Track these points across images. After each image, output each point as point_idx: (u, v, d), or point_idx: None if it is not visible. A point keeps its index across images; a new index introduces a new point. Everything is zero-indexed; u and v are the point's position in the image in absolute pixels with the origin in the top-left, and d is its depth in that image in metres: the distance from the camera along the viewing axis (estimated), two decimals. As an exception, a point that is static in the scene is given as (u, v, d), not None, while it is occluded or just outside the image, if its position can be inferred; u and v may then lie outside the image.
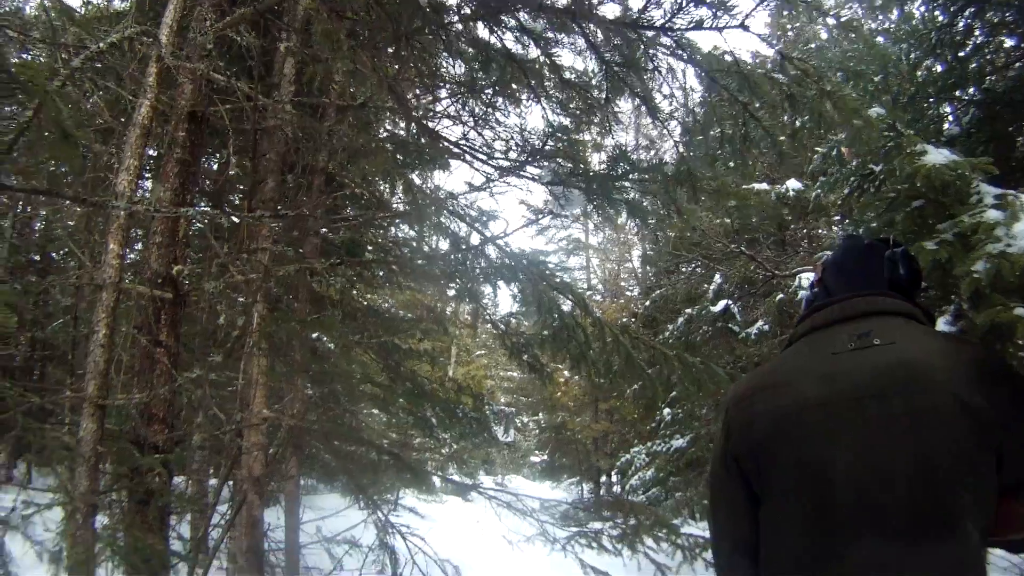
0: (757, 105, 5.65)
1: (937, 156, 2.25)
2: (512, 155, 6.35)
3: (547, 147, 5.84)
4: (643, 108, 6.16)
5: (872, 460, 1.79)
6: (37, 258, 13.42)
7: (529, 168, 6.12)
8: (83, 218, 9.60)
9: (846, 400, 1.86)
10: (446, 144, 6.58)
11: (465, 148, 6.34)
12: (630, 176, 5.90)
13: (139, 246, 7.37)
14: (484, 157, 6.29)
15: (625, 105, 6.34)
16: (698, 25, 5.28)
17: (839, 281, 2.18)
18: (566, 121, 6.37)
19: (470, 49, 5.94)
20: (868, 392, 1.83)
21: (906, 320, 1.98)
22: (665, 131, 6.18)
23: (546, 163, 5.95)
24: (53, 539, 4.23)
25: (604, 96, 6.06)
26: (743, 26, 5.17)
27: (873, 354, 1.88)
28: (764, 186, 12.27)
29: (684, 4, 5.17)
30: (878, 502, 1.76)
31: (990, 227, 1.99)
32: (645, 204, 6.30)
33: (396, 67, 6.15)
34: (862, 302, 2.03)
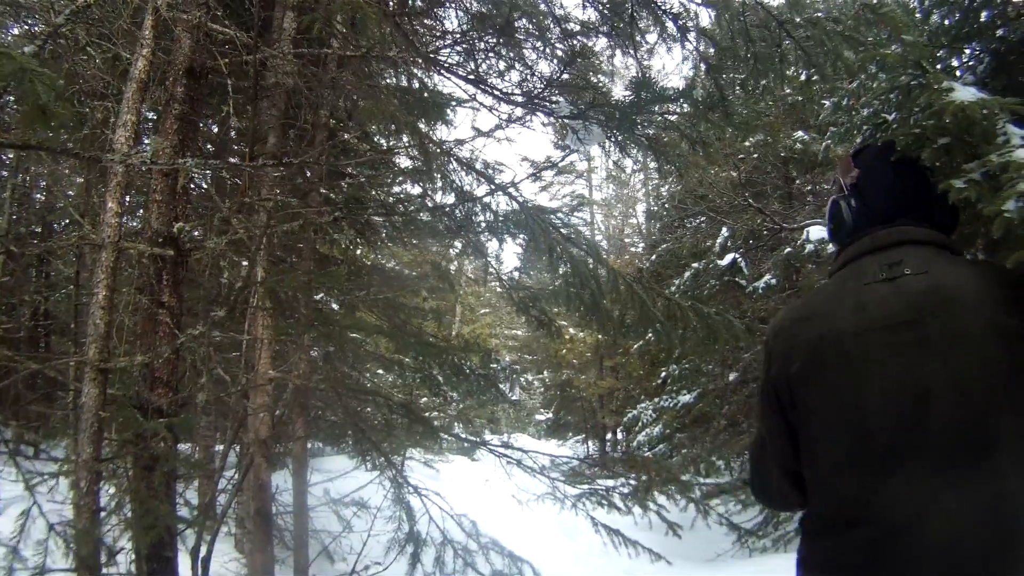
0: (798, 20, 5.49)
1: (965, 93, 2.14)
2: (528, 87, 6.18)
3: (565, 75, 5.67)
4: (669, 27, 5.94)
5: (907, 387, 1.79)
6: (38, 229, 13.31)
7: (546, 103, 5.95)
8: (83, 185, 9.49)
9: (879, 329, 1.86)
10: (457, 82, 6.40)
11: (479, 84, 6.16)
12: (655, 106, 5.73)
13: (140, 212, 7.23)
14: (498, 93, 6.11)
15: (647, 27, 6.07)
16: None
17: (871, 192, 2.15)
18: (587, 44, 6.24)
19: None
20: (900, 319, 1.84)
21: (938, 249, 1.94)
22: (695, 52, 5.95)
23: (564, 94, 5.78)
24: (20, 515, 4.16)
25: (630, 13, 5.87)
26: None
27: (905, 282, 1.88)
28: (804, 135, 12.10)
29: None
30: (915, 429, 1.76)
31: (1020, 165, 1.90)
32: (666, 139, 6.14)
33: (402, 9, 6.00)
34: (894, 232, 2.00)
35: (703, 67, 6.12)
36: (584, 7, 5.97)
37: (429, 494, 7.30)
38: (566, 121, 5.70)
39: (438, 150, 6.55)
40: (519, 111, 6.23)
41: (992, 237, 1.88)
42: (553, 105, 5.88)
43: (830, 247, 10.86)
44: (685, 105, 5.85)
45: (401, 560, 7.29)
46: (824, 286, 2.13)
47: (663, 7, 5.74)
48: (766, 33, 5.60)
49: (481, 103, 6.19)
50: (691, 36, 5.92)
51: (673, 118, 5.95)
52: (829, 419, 1.92)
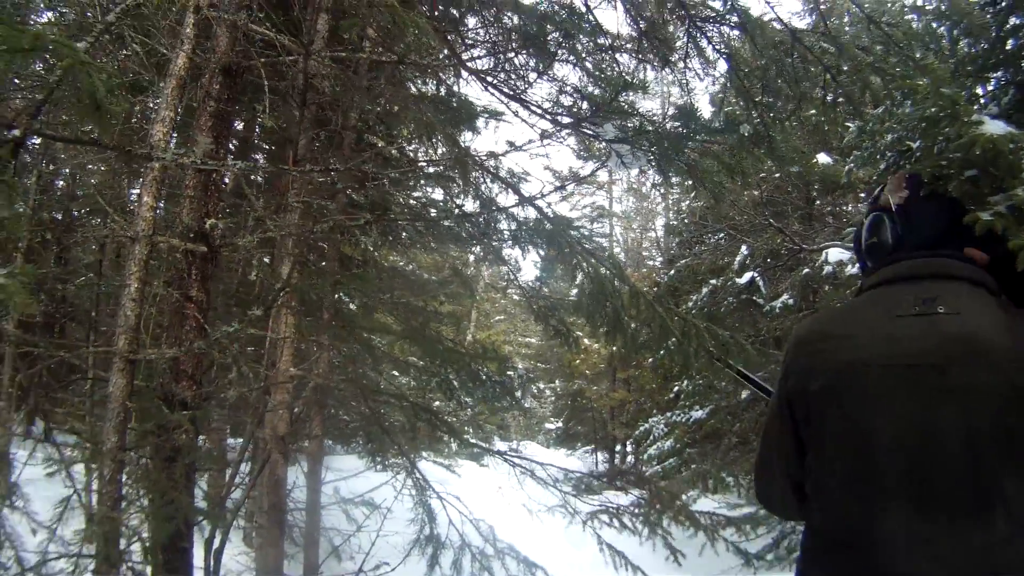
0: (845, 68, 5.56)
1: (994, 127, 2.17)
2: (575, 109, 6.23)
3: (616, 101, 5.71)
4: (713, 67, 6.01)
5: (920, 431, 1.77)
6: (59, 216, 13.39)
7: (590, 125, 6.00)
8: (109, 174, 9.57)
9: (903, 366, 1.83)
10: (499, 96, 6.45)
11: (522, 100, 6.21)
12: (699, 136, 5.79)
13: (162, 203, 7.31)
14: (542, 111, 6.16)
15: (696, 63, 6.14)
16: None
17: (917, 219, 2.10)
18: (638, 75, 6.30)
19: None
20: (926, 361, 1.80)
21: (972, 287, 1.91)
22: (744, 91, 6.00)
23: (613, 118, 5.82)
24: (62, 502, 4.22)
25: (684, 52, 5.94)
26: None
27: (936, 322, 1.84)
28: (827, 158, 12.11)
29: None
30: (920, 474, 1.76)
31: None
32: (706, 166, 6.18)
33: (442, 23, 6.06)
34: (934, 263, 1.97)
35: (740, 101, 6.18)
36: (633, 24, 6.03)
37: (449, 498, 7.35)
38: (610, 144, 5.73)
39: (469, 159, 6.60)
40: (550, 125, 6.28)
41: (1018, 270, 1.89)
42: (599, 128, 5.92)
43: (848, 268, 10.88)
44: (728, 137, 5.90)
45: (412, 561, 7.32)
46: (853, 304, 2.12)
47: (702, 30, 5.81)
48: (799, 64, 5.67)
49: (521, 118, 6.22)
50: (726, 63, 6.01)
51: (715, 147, 6.00)
52: (841, 442, 1.91)
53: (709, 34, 5.80)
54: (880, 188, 2.27)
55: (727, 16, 5.63)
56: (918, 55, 7.26)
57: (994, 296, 1.93)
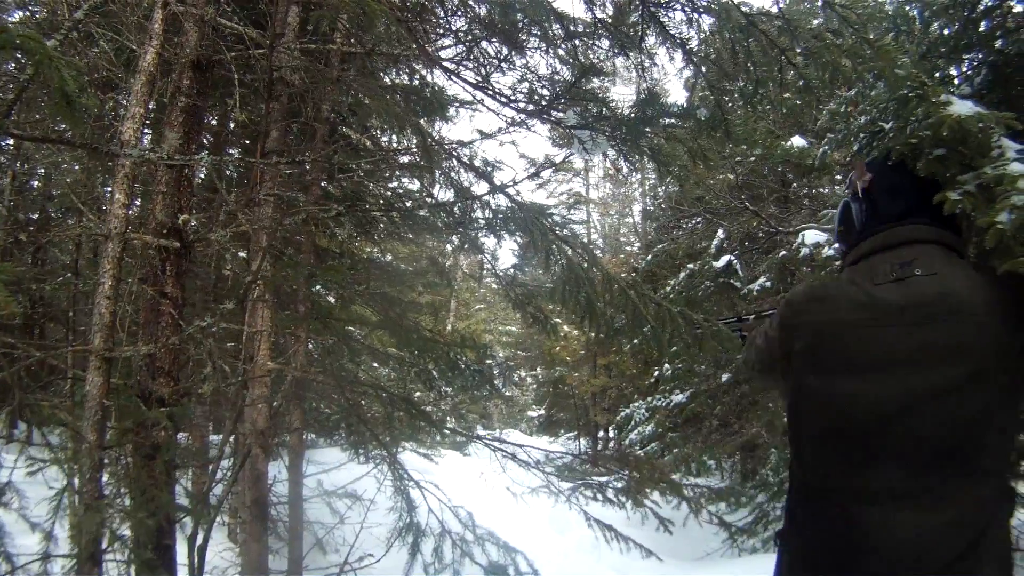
0: (798, 51, 5.60)
1: (962, 107, 2.21)
2: (536, 97, 6.25)
3: (576, 87, 5.73)
4: (676, 51, 6.03)
5: (902, 389, 1.85)
6: (35, 216, 13.31)
7: (553, 112, 6.02)
8: (83, 172, 9.52)
9: (884, 327, 1.92)
10: (464, 85, 6.46)
11: (486, 89, 6.22)
12: (660, 121, 5.82)
13: (138, 201, 7.27)
14: (505, 99, 6.17)
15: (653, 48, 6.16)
16: None
17: (880, 197, 2.21)
18: (605, 62, 6.32)
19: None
20: (905, 320, 1.89)
21: (946, 250, 2.01)
22: (700, 75, 6.05)
23: (575, 105, 5.84)
24: (54, 498, 4.20)
25: (639, 36, 5.96)
26: None
27: (915, 283, 1.94)
28: (801, 140, 12.13)
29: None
30: (901, 431, 1.84)
31: (1014, 179, 1.96)
32: (668, 151, 6.22)
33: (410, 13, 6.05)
34: (904, 230, 2.07)
35: (703, 84, 6.21)
36: (589, 10, 6.02)
37: (428, 486, 7.36)
38: (572, 130, 5.74)
39: (439, 148, 6.60)
40: (513, 112, 6.29)
41: (985, 247, 1.93)
42: (560, 114, 5.93)
43: (826, 250, 10.92)
44: (688, 121, 5.94)
45: (395, 552, 7.33)
46: (839, 279, 2.17)
47: (667, 17, 5.82)
48: (766, 49, 5.70)
49: (488, 107, 6.23)
50: (693, 46, 6.02)
51: (676, 131, 6.04)
52: (822, 401, 2.00)
53: (663, 19, 5.82)
54: (848, 178, 2.40)
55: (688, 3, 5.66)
56: (890, 36, 7.30)
57: (964, 258, 2.05)
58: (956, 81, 7.02)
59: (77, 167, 10.16)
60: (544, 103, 6.07)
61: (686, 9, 5.73)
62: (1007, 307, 1.82)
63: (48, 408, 3.94)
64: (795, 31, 5.37)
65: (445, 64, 6.18)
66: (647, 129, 5.81)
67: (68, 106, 2.36)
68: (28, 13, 7.26)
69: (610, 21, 5.94)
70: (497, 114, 6.32)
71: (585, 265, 6.03)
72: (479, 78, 6.31)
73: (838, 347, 1.99)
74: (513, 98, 6.19)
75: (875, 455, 1.85)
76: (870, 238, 2.13)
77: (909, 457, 1.81)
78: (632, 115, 5.82)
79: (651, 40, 6.03)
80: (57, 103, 2.37)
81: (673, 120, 5.90)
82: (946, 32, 7.15)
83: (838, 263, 10.94)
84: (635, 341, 7.36)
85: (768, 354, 2.30)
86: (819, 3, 5.96)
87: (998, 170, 2.00)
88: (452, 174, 6.86)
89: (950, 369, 1.80)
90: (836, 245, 2.45)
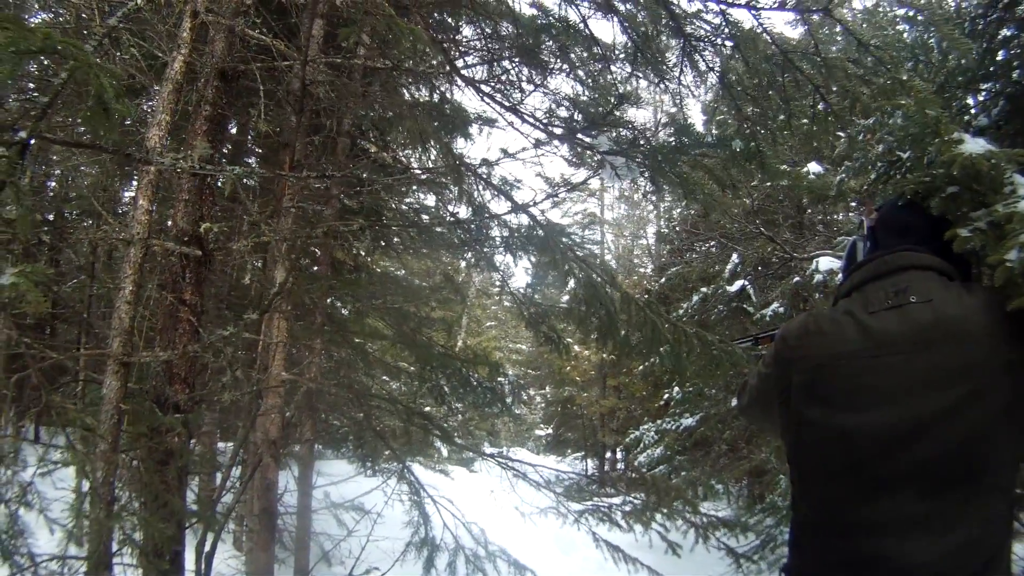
0: (834, 89, 5.62)
1: (974, 145, 2.22)
2: (569, 122, 6.27)
3: (612, 115, 5.75)
4: (717, 82, 6.06)
5: (905, 416, 1.83)
6: (51, 217, 13.37)
7: (583, 136, 6.05)
8: (101, 175, 9.56)
9: (883, 355, 1.90)
10: (494, 106, 6.49)
11: (519, 112, 6.24)
12: (694, 150, 5.83)
13: (155, 205, 7.31)
14: (539, 123, 6.19)
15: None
16: (782, 5, 5.24)
17: (883, 235, 2.22)
18: (632, 85, 6.35)
19: (531, 12, 5.90)
20: (904, 348, 1.88)
21: (939, 275, 2.00)
22: (736, 107, 6.08)
23: (608, 130, 5.86)
24: (70, 500, 4.22)
25: (679, 70, 5.99)
26: (827, 9, 5.17)
27: (910, 310, 1.92)
28: (817, 167, 12.14)
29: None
30: (908, 455, 1.81)
31: (1023, 217, 1.97)
32: (698, 180, 6.22)
33: (437, 32, 6.09)
34: (896, 257, 2.06)
35: (725, 110, 6.23)
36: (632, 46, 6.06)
37: (443, 501, 7.37)
38: (605, 156, 5.76)
39: (462, 166, 6.63)
40: (543, 135, 6.31)
41: (995, 284, 1.93)
42: (590, 139, 5.95)
43: (839, 277, 10.94)
44: (721, 152, 5.96)
45: (401, 565, 7.33)
46: (833, 310, 2.15)
47: (696, 48, 5.85)
48: (790, 82, 5.73)
49: (517, 129, 6.26)
50: (718, 81, 6.05)
51: (706, 161, 6.05)
52: (823, 435, 1.98)
53: (702, 51, 5.85)
54: (860, 220, 2.42)
55: (720, 34, 5.67)
56: (908, 65, 7.31)
57: (957, 281, 2.01)
58: (973, 111, 7.03)
59: (95, 170, 10.19)
60: (577, 127, 6.09)
61: (721, 42, 5.75)
62: (1001, 327, 1.82)
63: (74, 411, 3.95)
64: (831, 70, 5.38)
65: (476, 83, 6.20)
66: (682, 158, 5.82)
67: (105, 112, 2.37)
68: (53, 15, 7.30)
69: (643, 47, 5.97)
70: (526, 136, 6.32)
71: (604, 285, 6.05)
72: (507, 99, 6.34)
73: (837, 379, 1.98)
74: (545, 120, 6.21)
75: (882, 484, 1.85)
76: (862, 268, 2.13)
77: (917, 483, 1.80)
78: (666, 143, 5.84)
79: (688, 76, 6.06)
80: (94, 109, 2.39)
81: (707, 150, 5.92)
82: (963, 62, 7.17)
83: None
84: (652, 360, 7.34)
85: (763, 393, 2.30)
86: (838, 29, 5.98)
87: (1008, 208, 2.00)
88: (473, 192, 6.89)
89: (951, 392, 1.80)
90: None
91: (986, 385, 1.79)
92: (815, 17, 5.38)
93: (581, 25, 5.91)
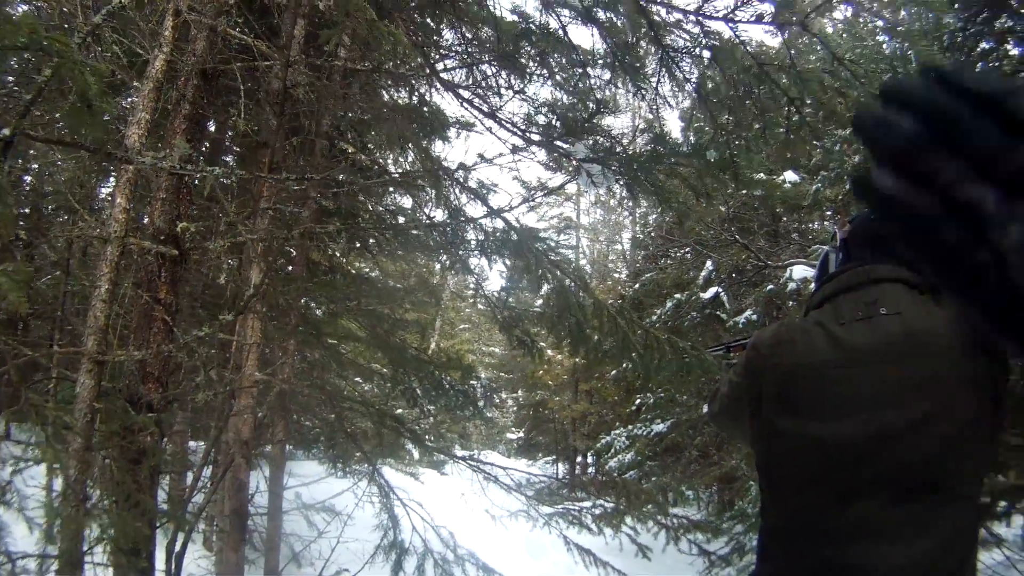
0: (808, 102, 5.68)
1: None
2: (548, 129, 6.30)
3: (589, 123, 5.78)
4: (685, 93, 6.11)
5: (874, 426, 1.86)
6: (26, 211, 13.26)
7: (560, 143, 6.07)
8: (78, 171, 9.50)
9: (852, 366, 1.94)
10: (474, 112, 6.51)
11: (498, 118, 6.27)
12: (669, 159, 5.87)
13: (131, 203, 7.27)
14: (517, 129, 6.22)
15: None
16: (759, 19, 5.28)
17: (855, 247, 2.25)
18: (609, 91, 6.39)
19: (512, 17, 5.92)
20: (873, 359, 1.91)
21: (908, 288, 2.02)
22: (712, 117, 6.12)
23: (584, 137, 5.90)
24: (41, 498, 4.20)
25: (657, 79, 6.03)
26: (803, 24, 5.22)
27: (880, 322, 1.96)
28: (794, 176, 12.23)
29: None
30: (877, 465, 1.85)
31: None
32: (673, 188, 6.26)
33: (418, 35, 6.11)
34: (867, 270, 2.08)
35: (700, 118, 6.28)
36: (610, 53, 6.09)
37: (412, 504, 7.37)
38: (582, 163, 5.79)
39: (440, 169, 6.64)
40: (521, 141, 6.33)
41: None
42: (568, 145, 5.98)
43: (813, 286, 11.02)
44: (696, 161, 6.00)
45: (371, 567, 7.33)
46: (803, 321, 2.18)
47: (674, 59, 5.89)
48: (766, 94, 5.78)
49: (496, 135, 6.28)
50: (695, 93, 6.10)
51: (681, 170, 6.09)
52: (793, 444, 2.01)
53: (680, 61, 5.89)
54: (834, 231, 2.46)
55: (698, 45, 5.71)
56: (886, 77, 7.37)
57: (926, 294, 2.04)
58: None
59: (72, 165, 10.11)
60: (555, 134, 6.12)
61: (698, 54, 5.79)
62: (968, 339, 1.85)
63: (52, 409, 3.93)
64: (805, 84, 5.44)
65: (460, 91, 6.22)
66: (657, 166, 5.86)
67: (89, 110, 2.37)
68: (34, 9, 7.25)
69: (622, 57, 6.00)
70: (504, 141, 6.35)
71: (577, 291, 6.08)
72: (489, 107, 6.36)
73: (808, 389, 2.01)
74: (524, 128, 6.24)
75: (852, 493, 1.87)
76: (833, 280, 2.16)
77: (886, 492, 1.83)
78: (642, 152, 5.88)
79: (666, 85, 6.10)
80: (77, 106, 2.39)
81: (681, 159, 5.96)
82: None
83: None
84: (623, 366, 7.38)
85: (734, 400, 2.30)
86: (817, 45, 6.03)
87: None
88: (449, 195, 6.90)
89: (920, 403, 1.83)
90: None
91: (952, 398, 1.83)
92: (792, 30, 5.43)
93: (560, 32, 5.94)
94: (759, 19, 5.28)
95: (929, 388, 1.85)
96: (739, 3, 5.20)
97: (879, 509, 1.83)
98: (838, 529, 1.87)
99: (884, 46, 8.49)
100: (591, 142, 5.90)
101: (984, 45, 7.05)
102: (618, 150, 5.92)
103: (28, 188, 13.08)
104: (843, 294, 2.09)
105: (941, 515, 1.80)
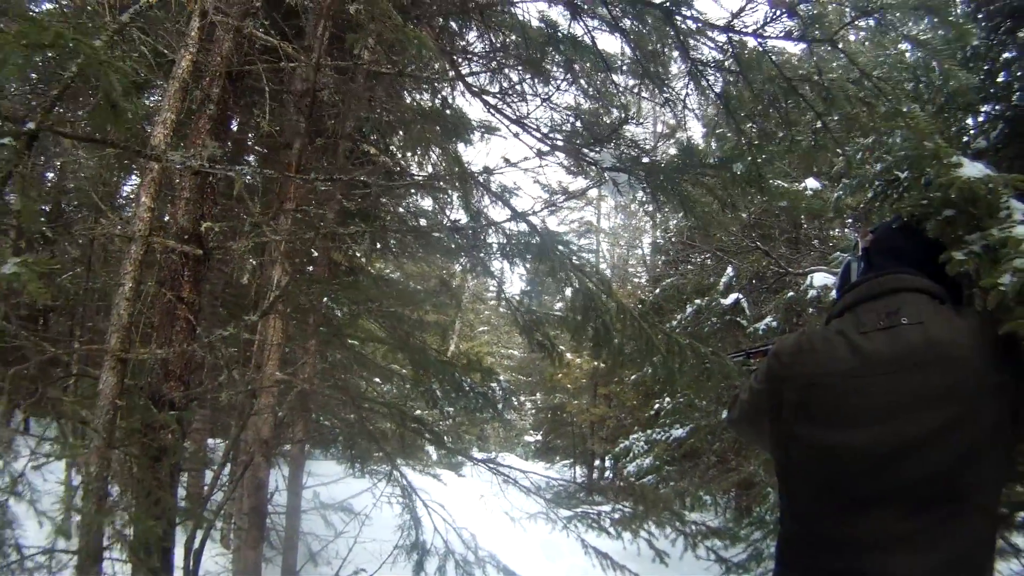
0: (835, 117, 5.67)
1: (972, 169, 2.23)
2: (574, 137, 6.31)
3: (617, 132, 5.78)
4: (720, 103, 6.10)
5: (894, 436, 1.85)
6: (48, 208, 13.35)
7: (587, 151, 6.09)
8: (101, 169, 9.56)
9: (872, 375, 1.92)
10: (501, 119, 6.53)
11: (525, 125, 6.29)
12: (696, 170, 5.87)
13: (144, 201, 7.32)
14: (543, 136, 6.23)
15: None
16: (788, 35, 5.28)
17: (877, 256, 2.22)
18: (633, 101, 6.39)
19: (539, 24, 5.93)
20: (893, 369, 1.89)
21: (931, 298, 2.00)
22: (738, 128, 6.12)
23: (611, 146, 5.90)
24: (60, 493, 4.23)
25: (685, 93, 6.04)
26: (832, 41, 5.21)
27: (901, 332, 1.93)
28: (815, 184, 12.19)
29: (778, 14, 5.18)
30: (893, 475, 1.83)
31: (1018, 242, 1.98)
32: (698, 198, 6.26)
33: (443, 40, 6.12)
34: (890, 279, 2.07)
35: (744, 142, 6.27)
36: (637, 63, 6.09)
37: (434, 505, 7.39)
38: (608, 172, 5.79)
39: (463, 172, 6.65)
40: (547, 147, 6.34)
41: (987, 307, 1.94)
42: (597, 155, 5.99)
43: (833, 294, 10.96)
44: (723, 173, 6.00)
45: (389, 567, 7.34)
46: (825, 329, 2.16)
47: (703, 73, 5.89)
48: (792, 107, 5.77)
49: (523, 141, 6.30)
50: (719, 98, 6.08)
51: (706, 180, 6.09)
52: (811, 452, 2.01)
53: (706, 73, 5.89)
54: (855, 240, 2.41)
55: (725, 56, 5.71)
56: (909, 87, 7.34)
57: (948, 304, 2.02)
58: (972, 132, 7.05)
59: (94, 162, 10.17)
60: (578, 142, 6.13)
61: (726, 66, 5.79)
62: (989, 351, 1.84)
63: (71, 405, 3.96)
64: (833, 99, 5.42)
65: (486, 98, 6.24)
66: (682, 176, 5.85)
67: (113, 109, 2.39)
68: (58, 6, 7.29)
69: (649, 67, 5.99)
70: (530, 148, 6.36)
71: (600, 294, 6.08)
72: (516, 112, 6.38)
73: (829, 398, 1.99)
74: (548, 135, 6.25)
75: (869, 502, 1.86)
76: (854, 289, 2.14)
77: (902, 502, 1.82)
78: (670, 162, 5.87)
79: (692, 96, 6.10)
80: (102, 105, 2.41)
81: (708, 171, 5.95)
82: (964, 83, 7.19)
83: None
84: (644, 370, 7.36)
85: (755, 407, 2.30)
86: (841, 57, 6.00)
87: (1004, 232, 2.01)
88: (472, 198, 6.90)
89: (939, 413, 1.81)
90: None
91: (973, 408, 1.81)
92: (822, 47, 5.42)
93: (587, 39, 5.94)
94: (788, 35, 5.28)
95: (949, 398, 1.82)
96: (769, 19, 5.20)
97: (896, 519, 1.82)
98: (854, 538, 1.86)
99: (907, 54, 8.44)
100: (617, 152, 5.90)
101: (1007, 55, 7.00)
102: (644, 159, 5.92)
103: (50, 185, 13.16)
104: (864, 303, 2.07)
105: (958, 526, 1.79)
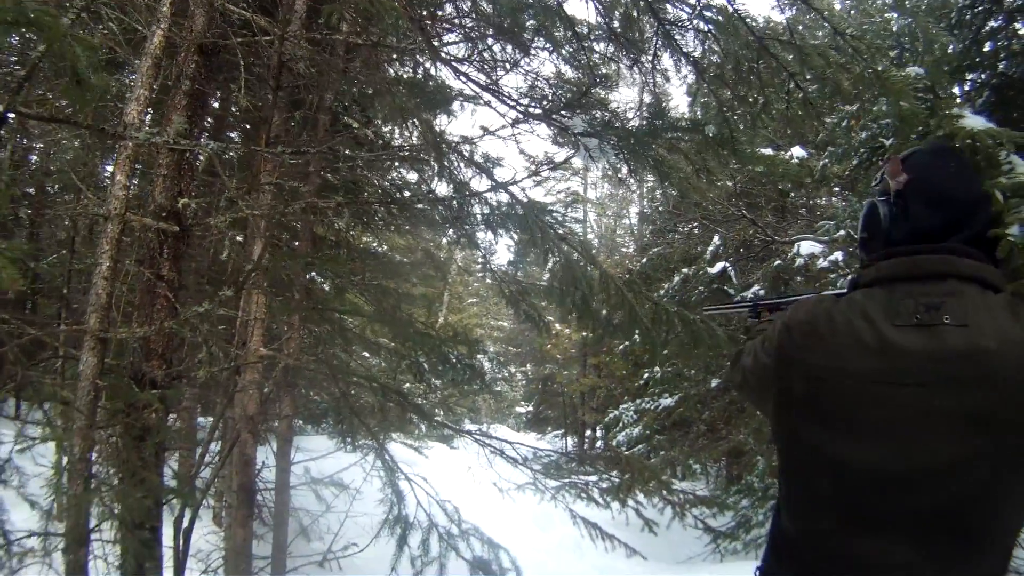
0: (808, 77, 5.62)
1: (975, 120, 2.22)
2: (545, 102, 6.28)
3: (586, 96, 5.75)
4: (686, 66, 6.06)
5: (910, 458, 1.62)
6: (31, 191, 13.29)
7: (558, 116, 6.05)
8: (82, 150, 9.50)
9: (899, 384, 1.64)
10: (473, 87, 6.49)
11: (495, 92, 6.25)
12: (668, 134, 5.84)
13: (135, 181, 7.28)
14: (513, 102, 6.20)
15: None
16: None
17: (915, 203, 1.83)
18: (611, 67, 6.37)
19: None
20: (924, 379, 1.62)
21: (982, 289, 1.68)
22: (712, 92, 6.07)
23: (582, 111, 5.87)
24: (48, 476, 4.22)
25: (653, 53, 6.00)
26: (806, 1, 5.22)
27: (939, 334, 1.63)
28: (801, 152, 12.16)
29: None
30: (906, 502, 1.63)
31: None
32: (672, 163, 6.23)
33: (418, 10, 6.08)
34: (936, 260, 1.73)
35: (706, 93, 6.25)
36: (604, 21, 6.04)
37: (416, 479, 7.38)
38: (579, 137, 5.75)
39: (443, 143, 6.62)
40: (522, 115, 6.32)
41: (996, 256, 1.80)
42: (568, 120, 5.95)
43: (820, 261, 10.95)
44: (694, 136, 5.97)
45: (380, 542, 7.36)
46: (848, 302, 1.81)
47: (670, 34, 5.86)
48: (765, 69, 5.74)
49: (494, 108, 6.26)
50: (691, 68, 6.06)
51: (681, 144, 6.06)
52: (818, 458, 1.77)
53: (677, 36, 5.85)
54: (880, 173, 2.00)
55: (698, 17, 5.67)
56: (894, 53, 7.33)
57: (1002, 295, 1.71)
58: (958, 100, 7.05)
59: (76, 144, 10.12)
60: (549, 107, 6.10)
61: (698, 27, 5.75)
62: None
63: (51, 387, 3.94)
64: (805, 57, 5.37)
65: (455, 65, 6.19)
66: (655, 141, 5.82)
67: (78, 86, 2.35)
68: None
69: (620, 31, 5.95)
70: (503, 115, 6.33)
71: (583, 264, 6.06)
72: (488, 80, 6.34)
73: (841, 400, 1.71)
74: (520, 101, 6.22)
75: (873, 524, 1.66)
76: (891, 260, 1.79)
77: (910, 530, 1.63)
78: (640, 126, 5.84)
79: (665, 58, 6.07)
80: (68, 82, 2.37)
81: (680, 134, 5.93)
82: (950, 50, 7.19)
83: (832, 275, 11.01)
84: (634, 340, 7.34)
85: (759, 380, 1.99)
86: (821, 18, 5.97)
87: (1012, 179, 1.96)
88: (454, 169, 6.87)
89: (967, 441, 1.57)
90: (839, 256, 2.29)
91: (1006, 438, 1.56)
92: (796, 5, 5.39)
93: (554, 2, 5.89)
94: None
95: (984, 426, 1.56)
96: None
97: (900, 546, 1.63)
98: (855, 558, 1.69)
99: (892, 23, 8.43)
100: (588, 116, 5.87)
101: (992, 23, 7.00)
102: (616, 124, 5.88)
103: (33, 167, 13.10)
104: (903, 283, 1.74)
105: (967, 561, 1.62)
